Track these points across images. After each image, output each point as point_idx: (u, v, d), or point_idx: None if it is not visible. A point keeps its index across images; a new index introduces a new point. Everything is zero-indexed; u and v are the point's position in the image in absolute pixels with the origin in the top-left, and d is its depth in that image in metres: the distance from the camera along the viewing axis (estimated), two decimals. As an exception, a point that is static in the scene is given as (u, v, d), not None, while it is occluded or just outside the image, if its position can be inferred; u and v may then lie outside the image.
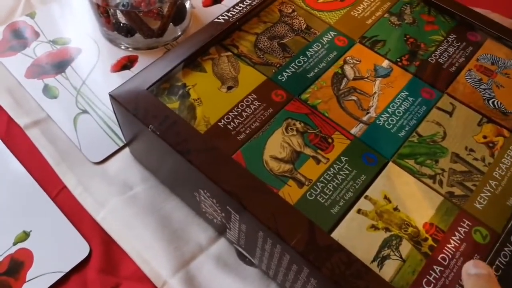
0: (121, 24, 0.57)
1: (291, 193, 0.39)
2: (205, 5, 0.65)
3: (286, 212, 0.37)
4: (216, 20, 0.49)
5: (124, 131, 0.48)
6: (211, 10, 0.65)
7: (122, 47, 0.60)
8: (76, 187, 0.48)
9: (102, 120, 0.53)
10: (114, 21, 0.57)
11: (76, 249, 0.45)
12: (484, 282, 0.33)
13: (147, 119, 0.41)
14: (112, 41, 0.60)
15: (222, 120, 0.42)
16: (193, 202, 0.45)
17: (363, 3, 0.53)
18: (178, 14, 0.59)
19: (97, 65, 0.58)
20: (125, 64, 0.58)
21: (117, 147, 0.51)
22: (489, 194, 0.40)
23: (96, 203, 0.47)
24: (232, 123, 0.42)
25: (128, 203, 0.48)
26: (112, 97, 0.42)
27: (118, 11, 0.55)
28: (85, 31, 0.61)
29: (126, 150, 0.51)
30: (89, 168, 0.50)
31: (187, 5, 0.60)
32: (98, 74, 0.57)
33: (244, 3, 0.50)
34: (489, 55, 0.49)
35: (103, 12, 0.55)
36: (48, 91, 0.55)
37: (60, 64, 0.57)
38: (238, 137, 0.41)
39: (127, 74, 0.57)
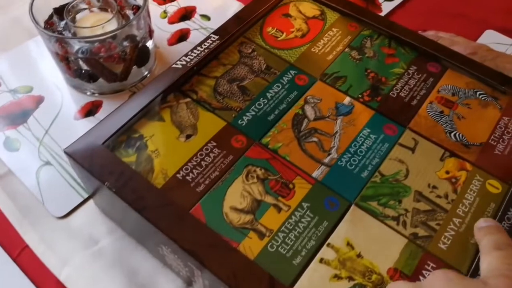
0: (83, 71, 0.56)
1: (252, 245, 0.38)
2: (170, 43, 0.65)
3: (247, 268, 0.36)
4: (174, 65, 0.48)
5: (84, 185, 0.47)
6: (177, 48, 0.65)
7: (88, 93, 0.59)
8: (39, 245, 0.47)
9: (66, 171, 0.52)
10: (75, 67, 0.56)
11: (40, 310, 0.44)
12: (494, 230, 0.37)
13: (103, 175, 0.40)
14: (76, 87, 0.59)
15: (181, 172, 0.42)
16: (159, 254, 0.44)
17: (324, 38, 0.52)
18: (141, 56, 0.59)
19: (60, 113, 0.57)
20: (89, 110, 0.58)
21: (82, 199, 0.50)
22: (453, 233, 0.39)
23: (60, 261, 0.46)
24: (191, 174, 0.41)
25: (93, 258, 0.46)
26: (67, 154, 0.42)
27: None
28: (47, 78, 0.60)
29: (91, 202, 0.50)
30: (52, 223, 0.49)
31: (150, 46, 0.60)
32: (62, 122, 0.56)
33: (203, 46, 0.50)
34: (449, 85, 0.48)
35: (63, 59, 0.55)
36: (9, 144, 0.54)
37: (22, 114, 0.57)
38: (197, 189, 0.41)
39: (91, 120, 0.56)
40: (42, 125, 0.56)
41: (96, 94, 0.59)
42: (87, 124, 0.56)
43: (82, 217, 0.50)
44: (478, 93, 0.48)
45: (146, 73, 0.61)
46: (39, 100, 0.58)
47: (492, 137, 0.45)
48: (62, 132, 0.56)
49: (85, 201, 0.51)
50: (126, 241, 0.48)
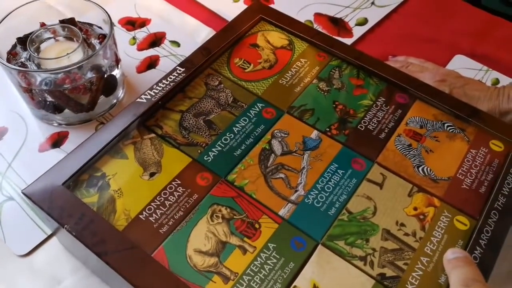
0: (47, 102, 0.55)
1: (216, 290, 0.37)
2: (140, 71, 0.64)
3: (209, 316, 0.35)
4: (138, 100, 0.47)
5: (45, 224, 0.45)
6: (146, 76, 0.63)
7: (54, 124, 0.58)
8: (-1, 286, 0.45)
9: (29, 206, 0.50)
10: (39, 99, 0.54)
11: None
12: (462, 262, 0.37)
13: (63, 218, 0.39)
14: (41, 118, 0.58)
15: (144, 212, 0.40)
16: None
17: (291, 69, 0.52)
18: (108, 86, 0.58)
19: (24, 145, 0.56)
20: (55, 141, 0.56)
21: (45, 236, 0.49)
22: (421, 272, 0.39)
23: (20, 304, 0.44)
24: (154, 215, 0.40)
25: (56, 300, 0.45)
26: (26, 195, 0.40)
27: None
28: (11, 109, 0.59)
29: (55, 238, 0.49)
30: (14, 263, 0.47)
31: (118, 74, 0.59)
32: (26, 155, 0.55)
33: (168, 79, 0.49)
34: (417, 117, 0.48)
35: (26, 91, 0.53)
36: (-31, 180, 0.52)
37: (-16, 147, 0.55)
38: (160, 230, 0.40)
39: (56, 153, 0.55)
40: (5, 157, 0.55)
41: (64, 125, 0.58)
42: (52, 156, 0.55)
43: (45, 255, 0.48)
44: (446, 125, 0.48)
45: (114, 101, 0.60)
46: (2, 132, 0.57)
47: (460, 171, 0.45)
48: (26, 165, 0.54)
49: (48, 237, 0.49)
50: (90, 280, 0.47)
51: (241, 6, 0.70)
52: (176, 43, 0.66)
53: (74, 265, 0.48)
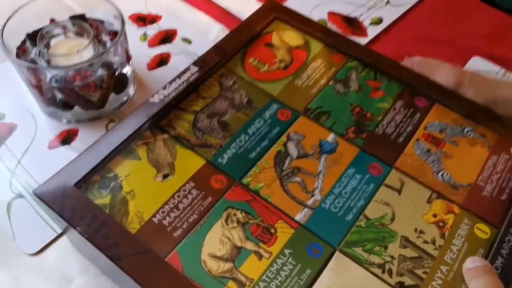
0: (57, 99, 0.54)
1: (231, 297, 0.36)
2: (150, 68, 0.63)
3: (224, 323, 0.34)
4: (151, 99, 0.46)
5: (56, 223, 0.44)
6: (157, 73, 0.62)
7: (63, 121, 0.57)
8: (9, 285, 0.45)
9: (39, 204, 0.50)
10: (49, 95, 0.54)
11: None
12: (482, 272, 0.36)
13: (74, 220, 0.38)
14: (51, 115, 0.57)
15: (157, 215, 0.40)
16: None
17: (307, 70, 0.51)
18: (119, 83, 0.57)
19: (34, 142, 0.55)
20: (65, 138, 0.55)
21: (56, 234, 0.48)
22: (440, 282, 0.38)
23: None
24: (167, 218, 0.39)
25: (66, 301, 0.44)
26: (37, 195, 0.39)
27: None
28: (21, 105, 0.58)
29: (65, 237, 0.48)
30: (24, 261, 0.46)
31: (128, 72, 0.58)
32: (35, 152, 0.54)
33: (181, 78, 0.48)
34: (436, 122, 0.47)
35: (36, 87, 0.53)
36: (-22, 177, 0.51)
37: (-7, 143, 0.54)
38: (174, 234, 0.39)
39: (66, 150, 0.54)
40: (15, 154, 0.54)
41: (73, 122, 0.57)
42: (61, 153, 0.54)
43: (56, 254, 0.47)
44: (465, 130, 0.47)
45: (125, 98, 0.59)
46: (12, 128, 0.56)
47: (480, 177, 0.44)
48: (36, 162, 0.53)
49: (58, 236, 0.48)
50: (101, 280, 0.46)
51: (252, 3, 0.69)
52: (187, 40, 0.65)
53: (85, 264, 0.47)
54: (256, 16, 0.54)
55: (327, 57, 0.52)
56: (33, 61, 0.53)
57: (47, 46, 0.55)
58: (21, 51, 0.54)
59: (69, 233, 0.46)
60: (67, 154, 0.53)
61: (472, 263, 0.38)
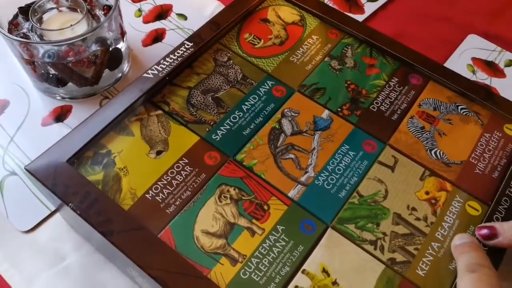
0: (50, 75, 0.53)
1: (223, 272, 0.36)
2: (145, 44, 0.62)
3: (217, 298, 0.34)
4: (145, 75, 0.46)
5: (48, 200, 0.44)
6: (152, 50, 0.62)
7: (58, 97, 0.56)
8: (2, 262, 0.45)
9: (32, 182, 0.49)
10: (42, 71, 0.53)
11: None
12: (468, 248, 0.37)
13: (67, 196, 0.38)
14: (44, 91, 0.56)
15: (150, 191, 0.40)
16: (128, 274, 0.43)
17: (303, 46, 0.50)
18: (113, 59, 0.56)
19: (27, 118, 0.54)
20: (59, 115, 0.55)
21: (49, 212, 0.48)
22: (431, 258, 0.38)
23: (25, 280, 0.44)
24: (161, 194, 0.39)
25: (60, 276, 0.44)
26: (29, 171, 0.39)
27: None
28: (13, 81, 0.57)
29: (58, 215, 0.48)
30: (17, 238, 0.46)
31: (123, 48, 0.57)
32: (29, 129, 0.54)
33: (176, 54, 0.47)
34: (431, 99, 0.47)
35: (28, 63, 0.52)
36: (-29, 153, 0.51)
37: (-14, 120, 0.54)
38: (167, 210, 0.39)
39: (60, 127, 0.54)
40: (7, 131, 0.53)
41: (67, 99, 0.56)
42: (55, 130, 0.54)
43: (49, 231, 0.47)
44: (459, 107, 0.47)
45: (119, 75, 0.58)
46: (4, 105, 0.56)
47: (473, 155, 0.44)
48: (29, 139, 0.53)
49: (52, 214, 0.48)
50: (94, 257, 0.46)
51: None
52: (183, 16, 0.64)
53: (78, 241, 0.47)
54: (251, -9, 0.54)
55: (323, 33, 0.51)
56: (25, 36, 0.52)
57: (40, 20, 0.54)
58: (13, 26, 0.53)
59: (62, 210, 0.46)
60: (60, 131, 0.53)
61: (459, 240, 0.38)
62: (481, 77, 0.60)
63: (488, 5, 0.68)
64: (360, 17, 0.65)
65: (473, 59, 0.62)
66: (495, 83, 0.60)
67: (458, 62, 0.61)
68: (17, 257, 0.45)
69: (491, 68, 0.61)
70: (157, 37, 0.62)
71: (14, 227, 0.47)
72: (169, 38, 0.62)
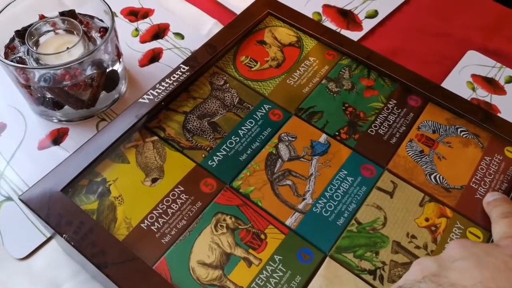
0: (46, 98, 0.53)
1: (219, 305, 0.35)
2: (142, 64, 0.62)
3: (212, 333, 0.34)
4: (140, 100, 0.45)
5: (44, 227, 0.44)
6: (149, 70, 0.62)
7: (54, 120, 0.56)
8: (-3, 291, 0.44)
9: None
10: (38, 95, 0.53)
11: None
12: (500, 202, 0.40)
13: (61, 226, 0.38)
14: (41, 114, 0.56)
15: (145, 221, 0.39)
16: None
17: (300, 68, 0.50)
18: (110, 81, 0.56)
19: (23, 142, 0.54)
20: (55, 138, 0.55)
21: (44, 239, 0.48)
22: (432, 288, 0.37)
23: (19, 310, 0.43)
24: (156, 224, 0.39)
25: (55, 305, 0.44)
26: (23, 201, 0.39)
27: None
28: (10, 104, 0.57)
29: (54, 241, 0.48)
30: (12, 266, 0.46)
31: (119, 69, 0.57)
32: (25, 153, 0.53)
33: (172, 78, 0.47)
34: (430, 121, 0.46)
35: (24, 87, 0.52)
36: (-34, 179, 0.51)
37: (-18, 144, 0.53)
38: (162, 240, 0.38)
39: (56, 150, 0.53)
40: (4, 155, 0.53)
41: (63, 121, 0.56)
42: (52, 154, 0.53)
43: (45, 259, 0.47)
44: (459, 130, 0.46)
45: (116, 96, 0.58)
46: (1, 128, 0.55)
47: (473, 179, 0.43)
48: (25, 163, 0.53)
49: (48, 240, 0.48)
50: (90, 285, 0.45)
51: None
52: (180, 35, 0.64)
53: (74, 269, 0.46)
54: (249, 11, 0.53)
55: (320, 54, 0.51)
56: (21, 60, 0.52)
57: (36, 43, 0.54)
58: (10, 49, 0.53)
59: (57, 238, 0.45)
60: (57, 154, 0.53)
61: (492, 196, 0.41)
62: (481, 94, 0.60)
63: (487, 20, 0.68)
64: (358, 34, 0.65)
65: (473, 75, 0.61)
66: (495, 100, 0.59)
67: (458, 79, 0.61)
68: (12, 285, 0.45)
69: (491, 85, 0.61)
70: (154, 57, 0.62)
71: (9, 254, 0.47)
72: (166, 58, 0.62)
